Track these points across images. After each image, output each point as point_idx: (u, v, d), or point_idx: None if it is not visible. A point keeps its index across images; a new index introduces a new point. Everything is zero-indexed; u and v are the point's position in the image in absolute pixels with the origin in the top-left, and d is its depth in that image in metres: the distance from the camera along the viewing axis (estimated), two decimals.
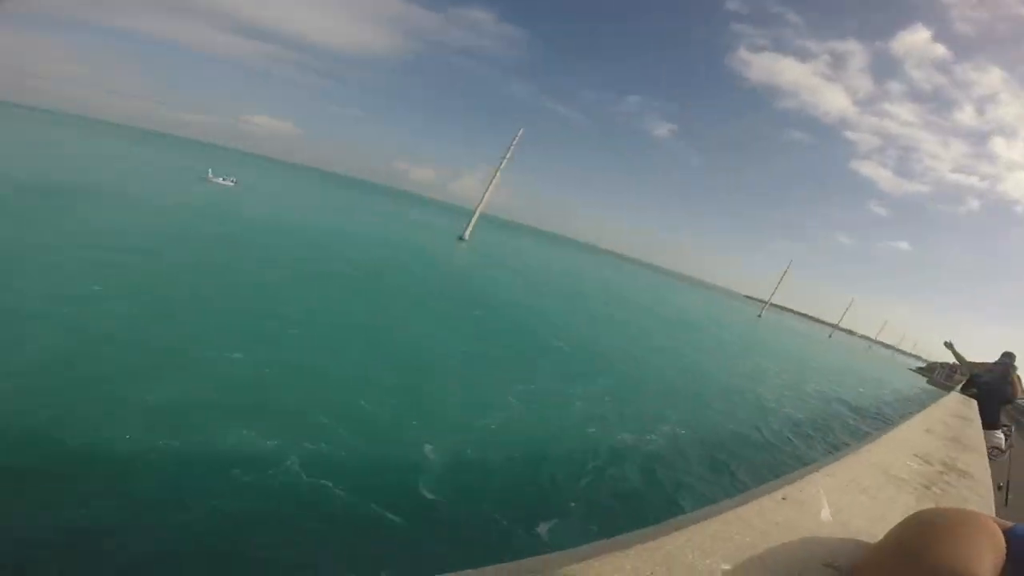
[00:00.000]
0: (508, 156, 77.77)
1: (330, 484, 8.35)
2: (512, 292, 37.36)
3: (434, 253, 52.58)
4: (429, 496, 8.80)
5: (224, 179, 67.86)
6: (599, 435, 13.78)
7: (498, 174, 78.36)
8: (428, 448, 10.43)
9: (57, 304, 13.04)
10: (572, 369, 20.17)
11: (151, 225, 27.10)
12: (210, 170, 69.26)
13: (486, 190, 78.74)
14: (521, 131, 78.52)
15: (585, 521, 9.26)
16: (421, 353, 17.04)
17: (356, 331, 17.61)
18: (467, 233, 75.95)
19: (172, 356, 11.75)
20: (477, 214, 78.62)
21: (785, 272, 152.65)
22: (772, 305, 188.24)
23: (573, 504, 9.79)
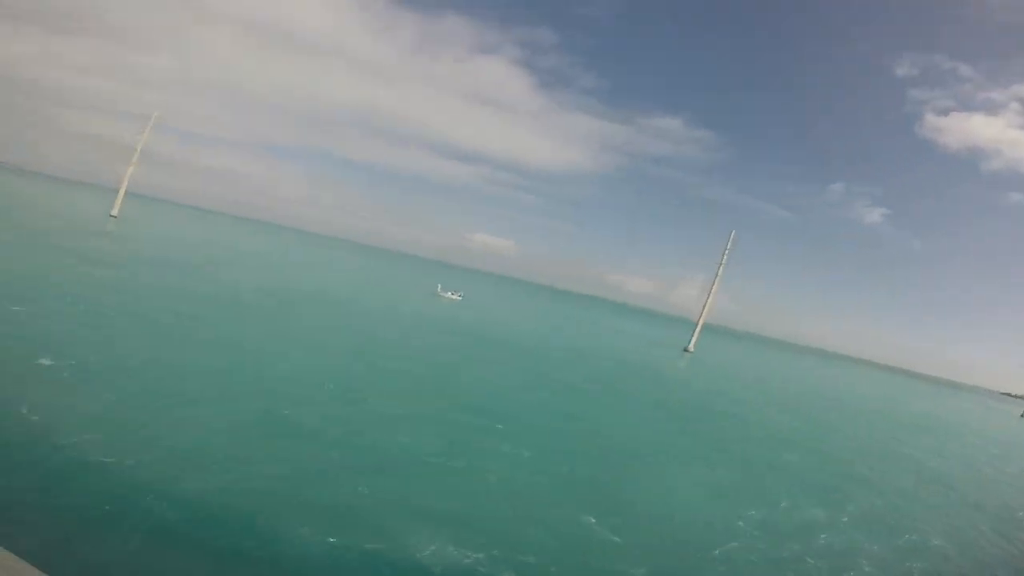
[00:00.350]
0: (723, 262, 77.35)
1: None
2: (745, 405, 36.40)
3: (662, 366, 54.05)
4: None
5: (452, 293, 77.07)
6: None
7: (717, 281, 77.52)
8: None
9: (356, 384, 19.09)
10: (808, 484, 19.39)
11: (405, 332, 35.17)
12: (439, 285, 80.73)
13: (706, 299, 78.14)
14: (733, 234, 78.38)
15: None
16: (648, 464, 18.91)
17: (598, 449, 20.44)
18: (692, 344, 75.24)
19: (459, 443, 16.22)
20: (700, 325, 77.72)
21: None
22: None
23: None
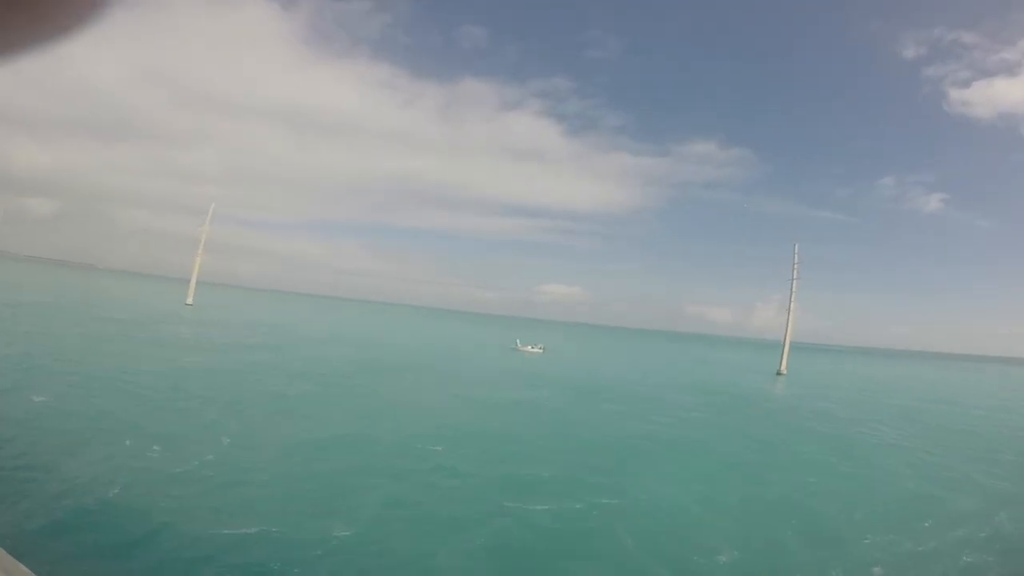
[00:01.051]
0: (795, 276, 73.11)
1: None
2: (850, 425, 32.21)
3: (758, 392, 49.78)
4: None
5: (533, 347, 73.68)
6: None
7: (792, 298, 73.28)
8: None
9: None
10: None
11: (505, 390, 33.10)
12: (518, 340, 77.59)
13: (788, 318, 73.46)
14: (796, 247, 74.58)
15: None
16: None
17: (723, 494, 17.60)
18: (783, 367, 69.92)
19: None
20: (787, 345, 72.42)
21: None
22: None
23: None
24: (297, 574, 10.09)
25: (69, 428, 16.84)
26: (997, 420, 42.39)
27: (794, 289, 73.09)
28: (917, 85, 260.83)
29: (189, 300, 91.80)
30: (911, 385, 75.07)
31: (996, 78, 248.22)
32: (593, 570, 11.43)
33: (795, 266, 73.17)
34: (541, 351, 72.90)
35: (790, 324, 73.32)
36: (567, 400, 35.25)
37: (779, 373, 69.23)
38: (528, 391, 37.61)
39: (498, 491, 15.71)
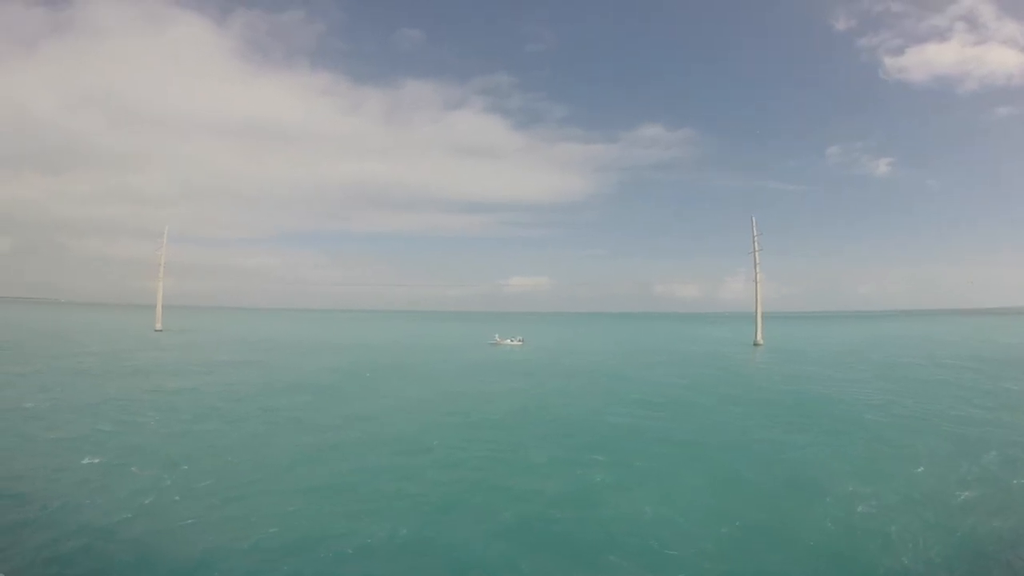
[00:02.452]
0: (756, 247, 75.32)
1: None
2: (830, 384, 34.03)
3: (740, 363, 51.66)
4: None
5: (512, 340, 74.91)
6: None
7: (757, 269, 75.53)
8: None
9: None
10: None
11: (491, 384, 33.38)
12: (496, 335, 78.72)
13: (755, 288, 75.59)
14: (753, 219, 76.79)
15: None
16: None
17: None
18: (759, 337, 72.38)
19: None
20: (759, 316, 74.70)
21: None
22: None
23: None
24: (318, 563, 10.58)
25: (75, 460, 16.72)
26: (959, 368, 45.32)
27: (757, 260, 75.08)
28: (854, 56, 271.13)
29: (158, 326, 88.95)
30: (880, 344, 78.66)
31: (928, 44, 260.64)
32: (597, 540, 12.02)
33: (755, 237, 75.17)
34: (520, 343, 73.93)
35: (759, 294, 75.33)
36: (557, 386, 36.02)
37: (756, 344, 71.65)
38: (516, 381, 38.27)
39: (501, 477, 16.36)
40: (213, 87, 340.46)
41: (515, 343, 73.89)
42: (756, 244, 75.25)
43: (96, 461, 16.74)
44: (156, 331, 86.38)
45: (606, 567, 10.72)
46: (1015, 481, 16.06)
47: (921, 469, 17.17)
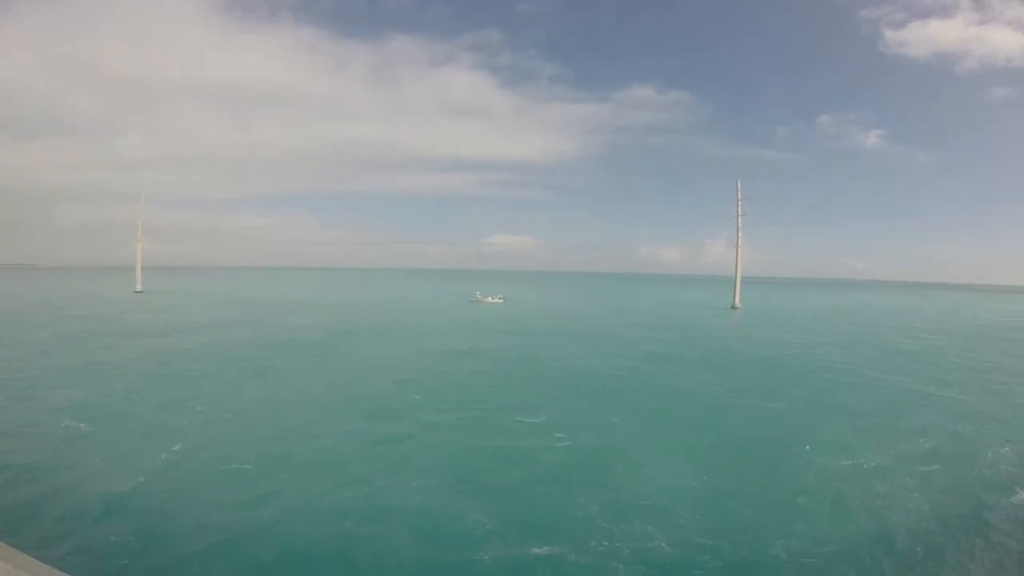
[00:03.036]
0: (740, 212, 75.23)
1: None
2: (801, 349, 34.91)
3: (713, 326, 52.59)
4: None
5: (493, 297, 76.27)
6: None
7: (739, 233, 75.72)
8: None
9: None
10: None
11: (479, 341, 33.82)
12: (478, 292, 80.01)
13: (736, 253, 75.97)
14: (739, 183, 76.24)
15: None
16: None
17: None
18: (737, 301, 73.31)
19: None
20: (738, 280, 75.38)
21: None
22: None
23: None
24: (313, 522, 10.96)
25: (72, 423, 16.90)
26: (929, 341, 46.40)
27: (740, 225, 75.23)
28: (854, 26, 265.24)
29: (139, 288, 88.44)
30: (857, 312, 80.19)
31: (931, 19, 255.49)
32: (568, 496, 12.56)
33: (739, 202, 75.01)
34: (502, 301, 75.21)
35: (739, 259, 75.84)
36: (537, 343, 36.61)
37: (733, 307, 72.71)
38: (497, 338, 38.84)
39: (485, 431, 16.93)
40: (193, 47, 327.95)
41: (496, 300, 75.11)
42: (740, 209, 75.31)
43: (73, 423, 17.04)
44: (136, 292, 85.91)
45: (576, 520, 11.15)
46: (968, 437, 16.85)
47: (863, 424, 18.06)
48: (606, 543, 10.05)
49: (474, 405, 20.01)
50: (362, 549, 9.81)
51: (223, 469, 13.39)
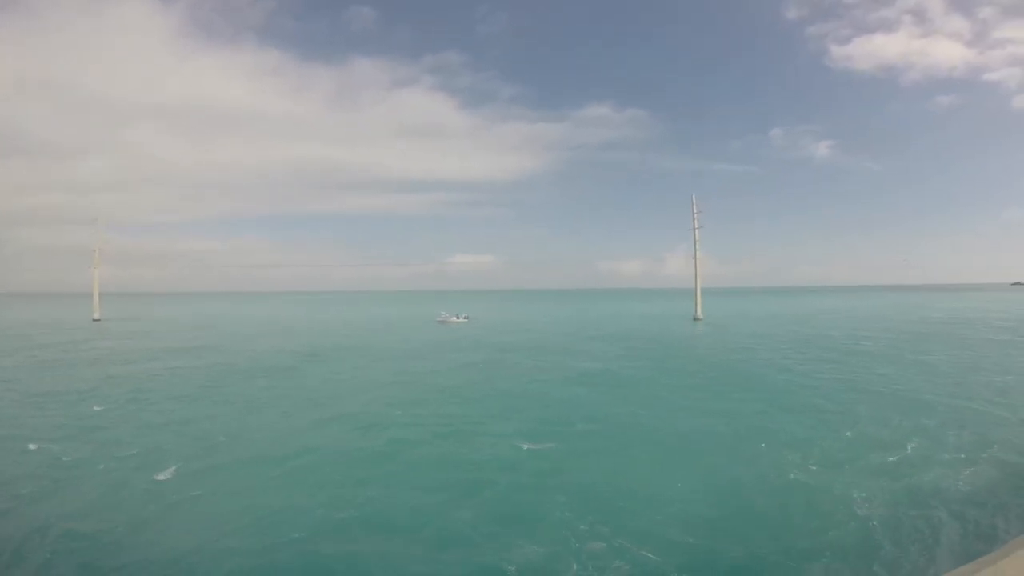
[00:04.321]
0: (696, 226, 78.13)
1: None
2: (759, 353, 37.05)
3: (679, 336, 54.60)
4: None
5: (457, 317, 77.54)
6: None
7: (697, 246, 78.52)
8: None
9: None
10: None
11: (445, 360, 34.77)
12: (443, 311, 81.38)
13: (695, 265, 78.54)
14: (693, 197, 79.43)
15: None
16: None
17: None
18: (699, 312, 75.94)
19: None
20: (699, 292, 77.90)
21: None
22: None
23: None
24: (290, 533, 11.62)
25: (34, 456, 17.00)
26: (880, 339, 49.47)
27: (697, 237, 78.29)
28: (802, 43, 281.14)
29: (96, 315, 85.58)
30: (812, 318, 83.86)
31: (875, 34, 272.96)
32: (538, 505, 13.50)
33: (695, 216, 78.22)
34: (466, 320, 76.57)
35: (698, 271, 78.62)
36: (505, 359, 37.68)
37: (696, 318, 75.33)
38: (464, 355, 39.78)
39: (454, 445, 17.82)
40: (156, 69, 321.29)
41: (461, 320, 76.42)
42: (696, 222, 78.52)
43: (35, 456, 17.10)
44: (94, 320, 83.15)
45: (546, 528, 11.74)
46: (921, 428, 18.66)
47: (815, 421, 19.75)
48: (576, 541, 11.00)
49: (458, 420, 20.93)
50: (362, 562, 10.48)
51: (200, 493, 13.86)
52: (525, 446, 17.30)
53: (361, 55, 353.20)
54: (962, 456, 15.72)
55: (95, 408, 23.09)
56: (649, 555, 10.42)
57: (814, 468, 15.06)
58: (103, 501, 13.22)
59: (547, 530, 11.50)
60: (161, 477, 14.67)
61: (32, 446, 17.48)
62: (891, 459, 15.56)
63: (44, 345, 49.36)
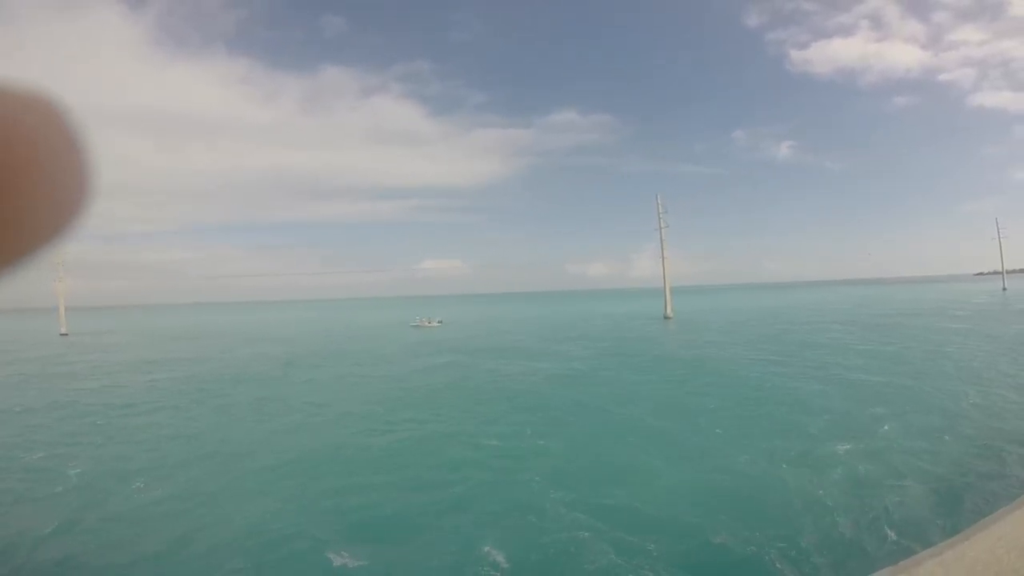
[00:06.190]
0: (662, 225, 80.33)
1: None
2: (730, 349, 38.97)
3: (650, 335, 56.48)
4: None
5: (431, 321, 78.88)
6: None
7: (663, 245, 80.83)
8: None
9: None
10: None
11: (424, 363, 35.50)
12: (419, 316, 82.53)
13: (663, 264, 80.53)
14: (658, 197, 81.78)
15: None
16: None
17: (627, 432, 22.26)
18: (669, 310, 77.98)
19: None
20: (668, 290, 79.81)
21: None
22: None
23: None
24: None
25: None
26: (845, 331, 52.18)
27: (663, 237, 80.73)
28: (762, 48, 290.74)
29: (63, 330, 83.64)
30: (780, 312, 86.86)
31: (833, 39, 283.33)
32: (514, 500, 14.79)
33: (660, 215, 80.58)
34: (439, 324, 77.93)
35: (666, 270, 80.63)
36: (476, 361, 38.75)
37: (666, 317, 77.40)
38: (443, 357, 40.97)
39: (437, 444, 18.85)
40: (126, 77, 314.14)
41: (434, 324, 77.78)
42: (662, 222, 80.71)
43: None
44: (61, 335, 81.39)
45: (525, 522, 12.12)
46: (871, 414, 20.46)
47: (787, 411, 21.39)
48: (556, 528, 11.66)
49: (445, 417, 21.94)
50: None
51: (188, 505, 14.73)
52: (503, 443, 17.99)
53: (332, 63, 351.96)
54: (933, 437, 16.51)
55: (73, 422, 23.46)
56: (627, 541, 10.78)
57: (792, 455, 15.49)
58: (80, 515, 13.23)
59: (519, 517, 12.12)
60: (138, 486, 15.04)
61: None
62: (862, 444, 16.13)
63: (10, 362, 48.58)
